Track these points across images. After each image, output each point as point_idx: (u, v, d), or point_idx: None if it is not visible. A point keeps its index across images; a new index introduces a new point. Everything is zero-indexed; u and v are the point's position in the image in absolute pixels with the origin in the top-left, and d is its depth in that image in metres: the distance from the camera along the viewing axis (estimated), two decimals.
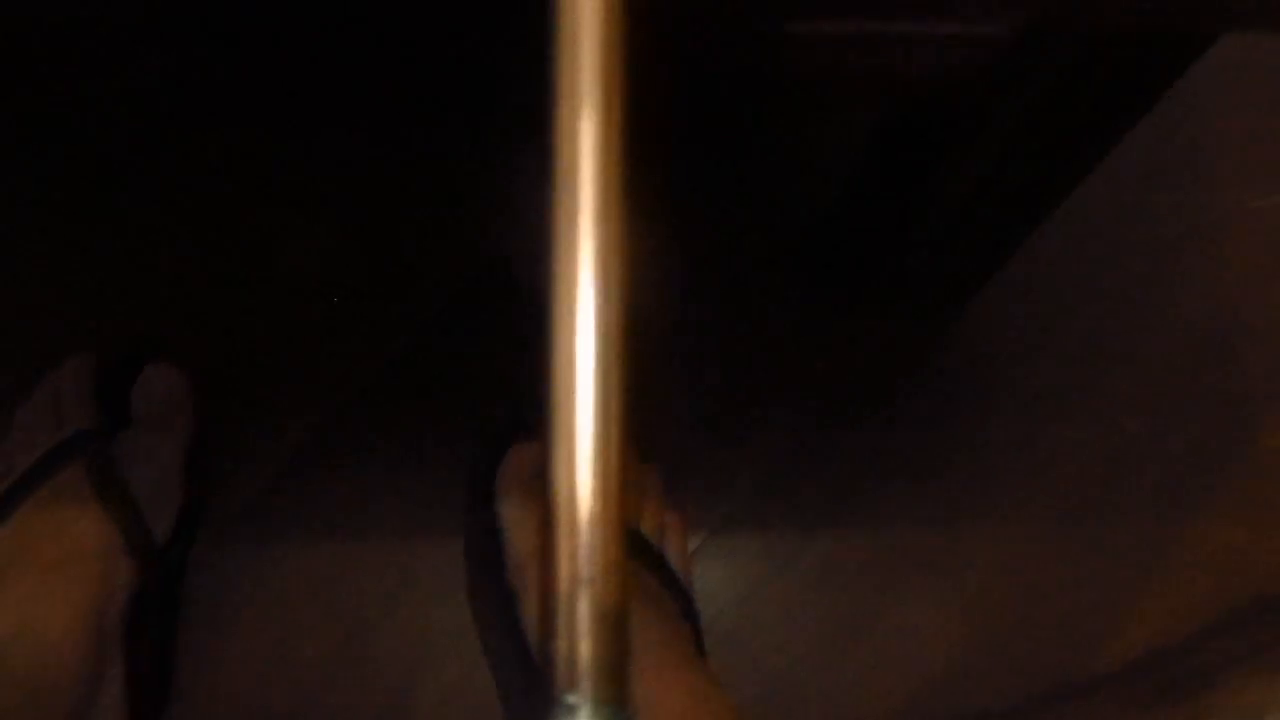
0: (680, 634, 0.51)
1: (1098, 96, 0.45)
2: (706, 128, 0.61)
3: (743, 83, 0.59)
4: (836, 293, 0.64)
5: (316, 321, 0.61)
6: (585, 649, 0.23)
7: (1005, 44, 0.41)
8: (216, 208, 0.62)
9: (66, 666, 0.46)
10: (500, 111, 0.61)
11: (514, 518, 0.53)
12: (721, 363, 0.62)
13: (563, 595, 0.23)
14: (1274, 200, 0.64)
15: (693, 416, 0.61)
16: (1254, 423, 0.62)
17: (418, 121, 0.62)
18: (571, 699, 0.23)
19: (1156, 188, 0.64)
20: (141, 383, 0.55)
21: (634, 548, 0.51)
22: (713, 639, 0.60)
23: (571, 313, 0.23)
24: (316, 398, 0.60)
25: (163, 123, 0.62)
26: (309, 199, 0.62)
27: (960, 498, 0.61)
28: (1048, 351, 0.63)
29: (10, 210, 0.61)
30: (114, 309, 0.60)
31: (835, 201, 0.60)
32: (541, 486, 0.23)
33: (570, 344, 0.23)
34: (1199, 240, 0.64)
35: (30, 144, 0.61)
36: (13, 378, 0.55)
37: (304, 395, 0.61)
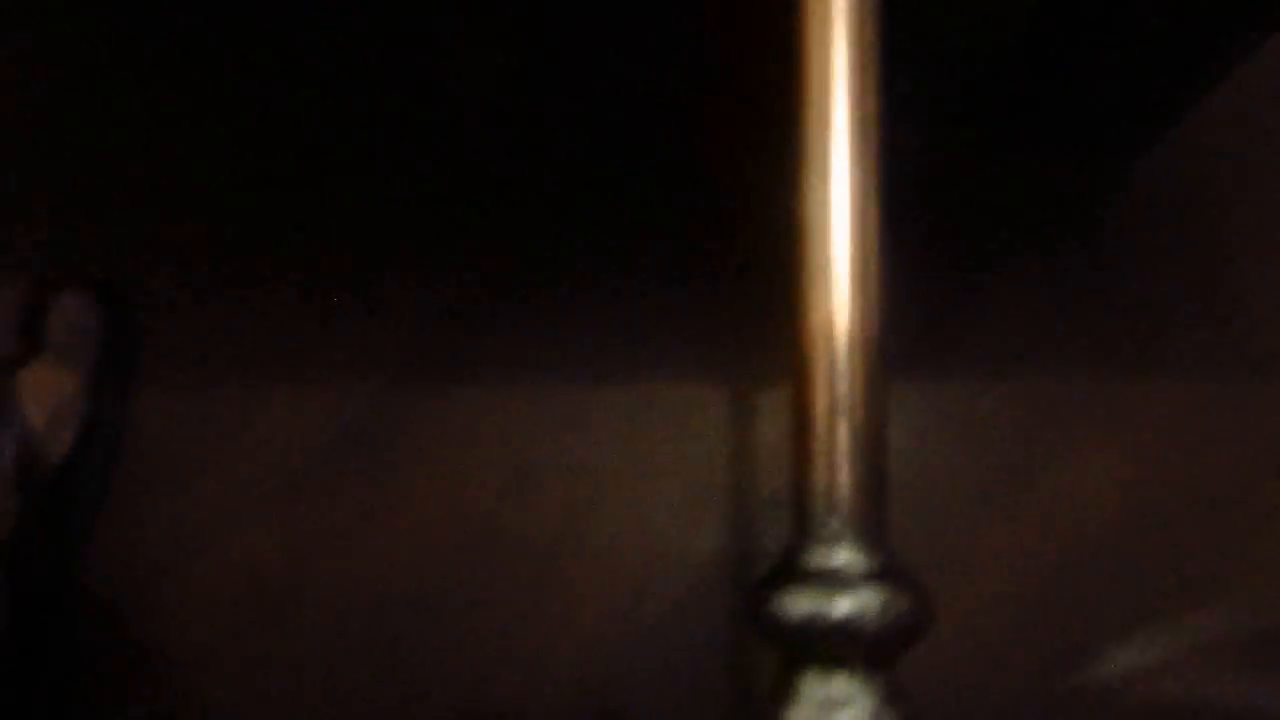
0: None
1: None
2: None
3: None
4: (1009, 136, 0.62)
5: (470, 172, 0.61)
6: (844, 479, 0.22)
7: None
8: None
9: None
10: None
11: None
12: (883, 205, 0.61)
13: (821, 423, 0.22)
14: None
15: None
16: None
17: None
18: (831, 526, 0.22)
19: None
20: (55, 310, 0.58)
21: None
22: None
23: (825, 149, 0.22)
24: (482, 242, 0.61)
25: None
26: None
27: (1132, 352, 0.60)
28: (1220, 209, 0.60)
29: None
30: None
31: (1013, 35, 0.58)
32: (797, 315, 0.23)
33: (825, 167, 0.22)
34: None
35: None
36: None
37: (469, 241, 0.61)
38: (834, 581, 0.22)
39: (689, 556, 0.58)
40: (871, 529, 0.22)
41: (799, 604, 0.22)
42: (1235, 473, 0.59)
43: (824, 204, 0.21)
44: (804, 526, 0.22)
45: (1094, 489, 0.59)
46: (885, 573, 0.22)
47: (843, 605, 0.22)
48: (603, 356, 0.60)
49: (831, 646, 0.22)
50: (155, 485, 0.60)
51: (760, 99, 0.59)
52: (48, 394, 0.56)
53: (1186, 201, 0.60)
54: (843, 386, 0.22)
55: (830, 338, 0.22)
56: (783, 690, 0.23)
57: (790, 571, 0.23)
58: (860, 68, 0.21)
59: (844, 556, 0.22)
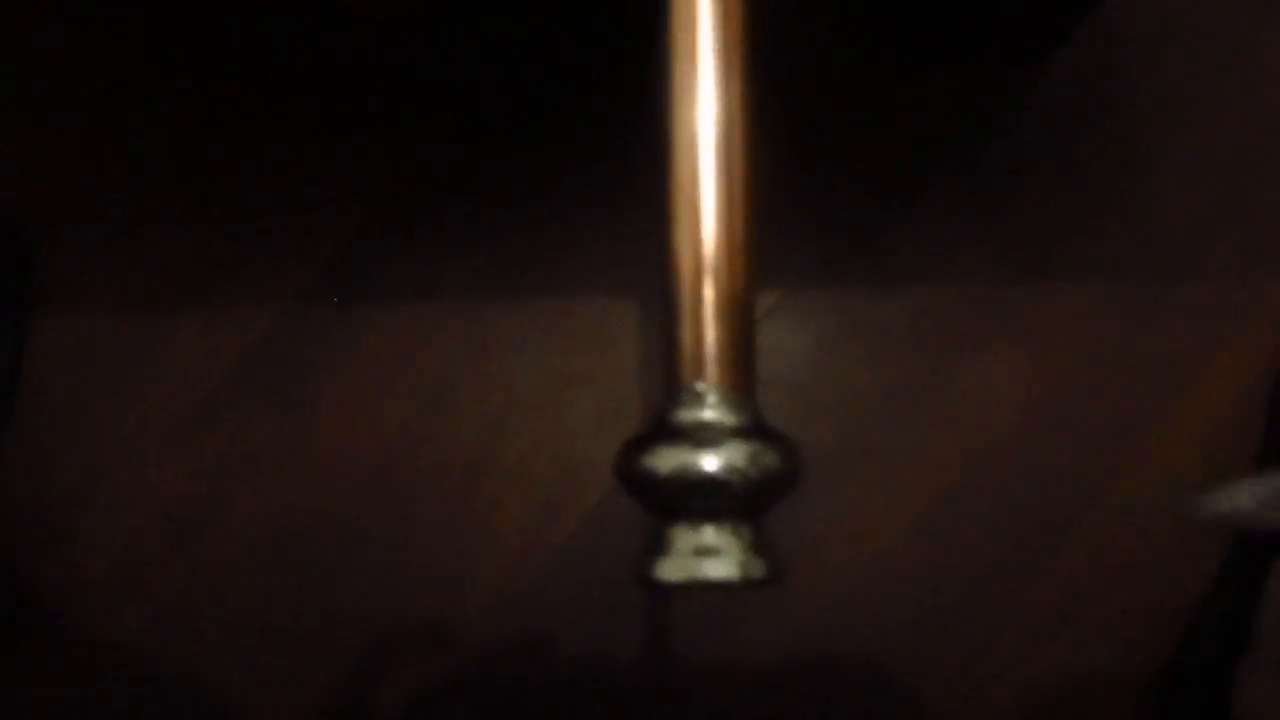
0: None
1: None
2: None
3: None
4: (910, 48, 0.62)
5: (377, 90, 0.61)
6: (711, 337, 0.23)
7: None
8: None
9: None
10: None
11: None
12: (785, 120, 0.61)
13: (687, 284, 0.23)
14: None
15: (762, 174, 0.60)
16: None
17: None
18: (699, 386, 0.23)
19: None
20: None
21: None
22: (787, 392, 0.60)
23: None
24: (391, 162, 0.60)
25: None
26: None
27: (1042, 256, 0.61)
28: (1135, 105, 0.61)
29: None
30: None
31: None
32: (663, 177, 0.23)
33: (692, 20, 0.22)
34: None
35: None
36: None
37: (377, 161, 0.60)
38: (702, 437, 0.23)
39: (604, 468, 0.58)
40: (738, 388, 0.22)
41: (668, 460, 0.23)
42: (1141, 377, 0.60)
43: (691, 81, 0.22)
44: (672, 387, 0.23)
45: (998, 394, 0.60)
46: (752, 429, 0.23)
47: (711, 459, 0.23)
48: (514, 274, 0.60)
49: (700, 499, 0.23)
50: (61, 416, 0.59)
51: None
52: None
53: (1094, 105, 0.61)
54: (709, 248, 0.22)
55: (696, 201, 0.22)
56: (655, 544, 0.24)
57: (659, 430, 0.23)
58: None
59: (711, 414, 0.23)
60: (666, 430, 0.23)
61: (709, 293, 0.22)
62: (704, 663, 0.59)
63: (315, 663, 0.59)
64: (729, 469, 0.23)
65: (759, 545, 0.23)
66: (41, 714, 0.59)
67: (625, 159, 0.60)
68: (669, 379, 0.23)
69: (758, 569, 0.23)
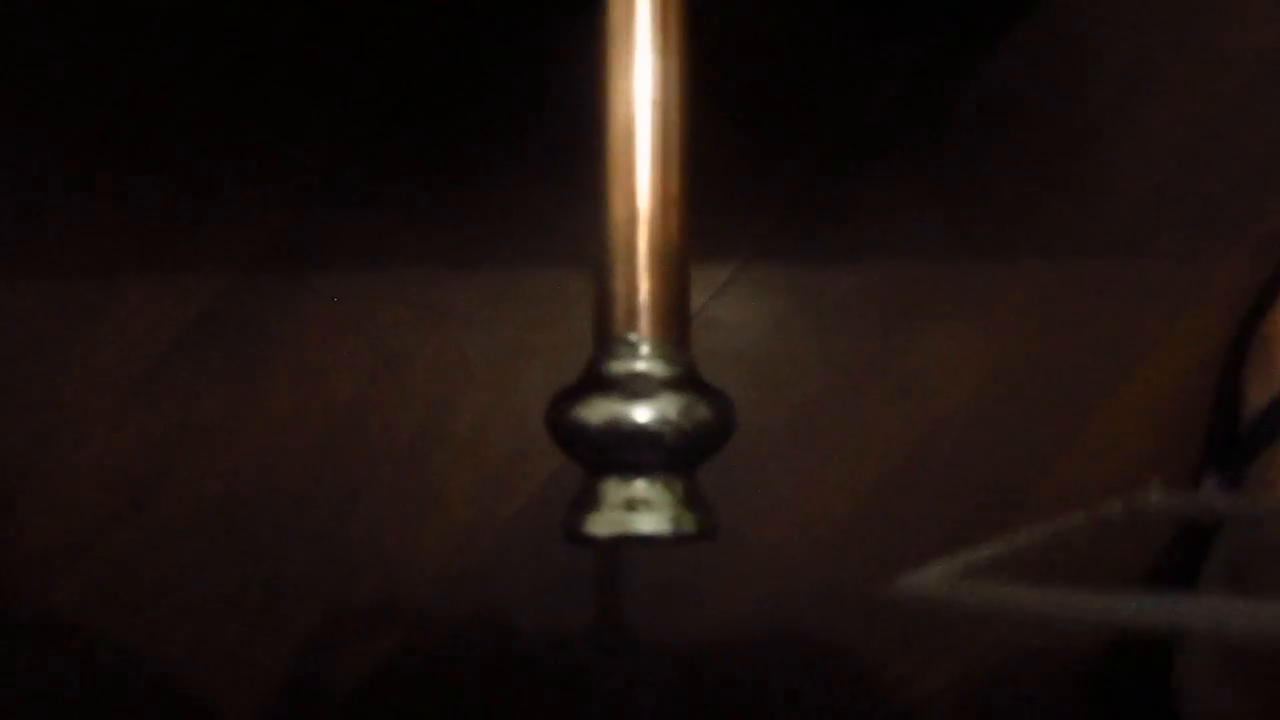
0: None
1: None
2: None
3: None
4: (862, 25, 0.62)
5: (328, 59, 0.60)
6: (645, 287, 0.22)
7: None
8: None
9: None
10: None
11: None
12: (738, 93, 0.61)
13: (620, 233, 0.22)
14: None
15: (713, 147, 0.60)
16: None
17: None
18: (631, 336, 0.22)
19: None
20: None
21: None
22: (741, 369, 0.60)
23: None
24: (338, 129, 0.60)
25: None
26: None
27: (996, 231, 0.61)
28: (1089, 81, 0.61)
29: None
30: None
31: None
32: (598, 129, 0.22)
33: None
34: None
35: None
36: None
37: (325, 128, 0.60)
38: (634, 388, 0.22)
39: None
40: (672, 339, 0.22)
41: (599, 411, 0.22)
42: (1094, 352, 0.60)
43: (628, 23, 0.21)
44: (604, 338, 0.22)
45: (951, 368, 0.60)
46: (685, 380, 0.23)
47: (642, 411, 0.22)
48: (465, 244, 0.60)
49: (632, 452, 0.23)
50: (5, 385, 0.58)
51: None
52: None
53: (1049, 79, 0.61)
54: (643, 197, 0.22)
55: (631, 151, 0.22)
56: (584, 497, 0.23)
57: (590, 381, 0.23)
58: None
59: (643, 365, 0.22)
60: (598, 381, 0.23)
61: (642, 243, 0.22)
62: (656, 636, 0.59)
63: (261, 634, 0.58)
64: (661, 421, 0.22)
65: (691, 500, 0.23)
66: None
67: (577, 128, 0.60)
68: (601, 330, 0.22)
69: (689, 523, 0.23)
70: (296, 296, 0.59)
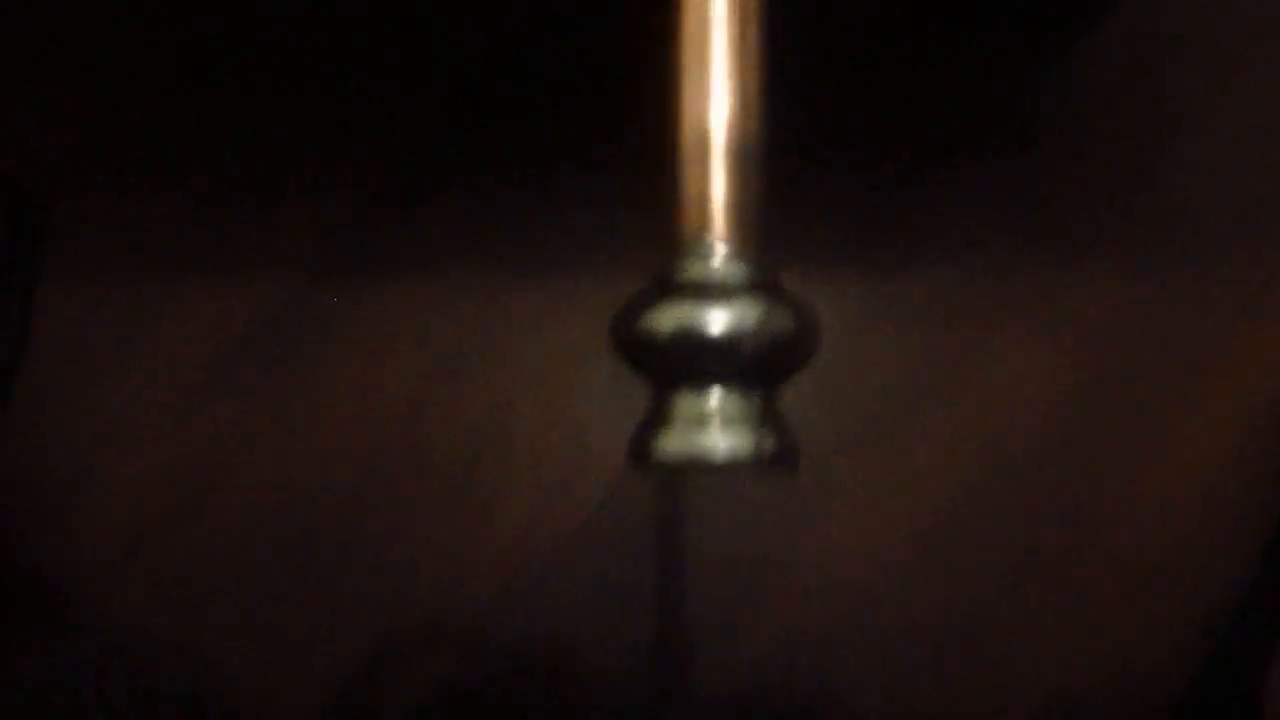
0: None
1: None
2: None
3: None
4: (939, 31, 0.60)
5: (385, 63, 0.59)
6: (719, 187, 0.20)
7: None
8: None
9: None
10: None
11: None
12: (807, 96, 0.59)
13: (694, 132, 0.20)
14: None
15: (778, 153, 0.58)
16: None
17: None
18: (705, 240, 0.21)
19: None
20: None
21: None
22: (804, 383, 0.58)
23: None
24: (398, 135, 0.59)
25: None
26: None
27: (1068, 246, 0.58)
28: (1165, 87, 0.59)
29: None
30: None
31: None
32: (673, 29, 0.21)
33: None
34: None
35: None
36: None
37: (384, 135, 0.59)
38: (708, 294, 0.20)
39: (618, 453, 0.56)
40: (749, 244, 0.20)
41: (670, 318, 0.20)
42: (1172, 366, 0.58)
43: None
44: (677, 245, 0.20)
45: (1028, 382, 0.58)
46: (764, 286, 0.21)
47: (718, 317, 0.20)
48: (522, 249, 0.58)
49: (705, 363, 0.21)
50: (59, 389, 0.58)
51: None
52: None
53: (1125, 89, 0.59)
54: (719, 96, 0.20)
55: (705, 50, 0.20)
56: (653, 416, 0.21)
57: (659, 287, 0.21)
58: None
59: (720, 269, 0.20)
60: (668, 288, 0.21)
61: (718, 142, 0.20)
62: (712, 663, 0.57)
63: (315, 644, 0.56)
64: (736, 328, 0.20)
65: (772, 419, 0.21)
66: (39, 694, 0.57)
67: (644, 137, 0.59)
68: (672, 235, 0.20)
69: (769, 443, 0.21)
70: (356, 304, 0.58)
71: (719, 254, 0.20)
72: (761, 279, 0.21)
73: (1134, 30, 0.59)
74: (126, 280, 0.58)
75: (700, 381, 0.21)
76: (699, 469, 0.21)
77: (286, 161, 0.58)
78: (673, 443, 0.21)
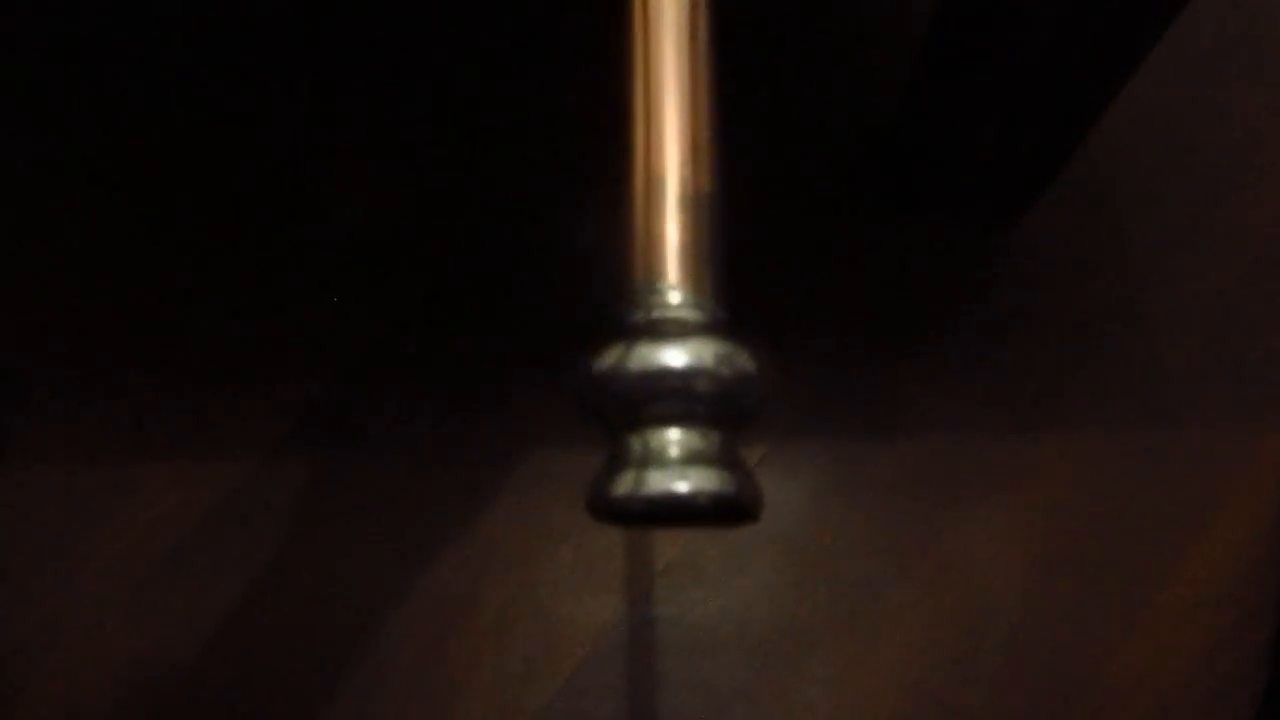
0: None
1: None
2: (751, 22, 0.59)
3: None
4: (890, 205, 0.61)
5: (353, 247, 0.60)
6: (673, 232, 0.20)
7: None
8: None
9: None
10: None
11: None
12: (771, 273, 0.60)
13: (644, 176, 0.20)
14: None
15: (748, 326, 0.58)
16: None
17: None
18: (659, 284, 0.20)
19: (1223, 82, 0.61)
20: None
21: None
22: (777, 553, 0.56)
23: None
24: (364, 312, 0.59)
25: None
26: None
27: (1037, 404, 0.58)
28: (1109, 263, 0.60)
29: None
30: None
31: (896, 103, 0.58)
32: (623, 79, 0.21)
33: None
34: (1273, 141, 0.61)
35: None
36: None
37: (350, 313, 0.59)
38: (664, 334, 0.19)
39: (587, 628, 0.54)
40: (704, 287, 0.19)
41: (627, 359, 0.19)
42: (1148, 527, 0.56)
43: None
44: (631, 290, 0.20)
45: (998, 550, 0.56)
46: (720, 329, 0.20)
47: (675, 356, 0.19)
48: (495, 423, 0.57)
49: (664, 403, 0.20)
50: (13, 572, 0.55)
51: None
52: None
53: (1087, 254, 0.60)
54: (671, 140, 0.20)
55: (660, 97, 0.20)
56: (610, 461, 0.20)
57: (616, 333, 0.20)
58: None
59: (675, 311, 0.19)
60: (625, 332, 0.20)
61: (671, 186, 0.20)
62: None
63: None
64: (695, 367, 0.19)
65: (732, 461, 0.20)
66: None
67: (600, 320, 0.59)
68: (628, 280, 0.20)
69: (731, 484, 0.19)
70: (318, 480, 0.56)
71: (673, 299, 0.19)
72: (717, 321, 0.20)
73: (1087, 208, 0.60)
74: (85, 464, 0.56)
75: (659, 423, 0.19)
76: (660, 511, 0.19)
77: (244, 347, 0.58)
78: (632, 485, 0.19)
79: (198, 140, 0.60)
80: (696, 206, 0.19)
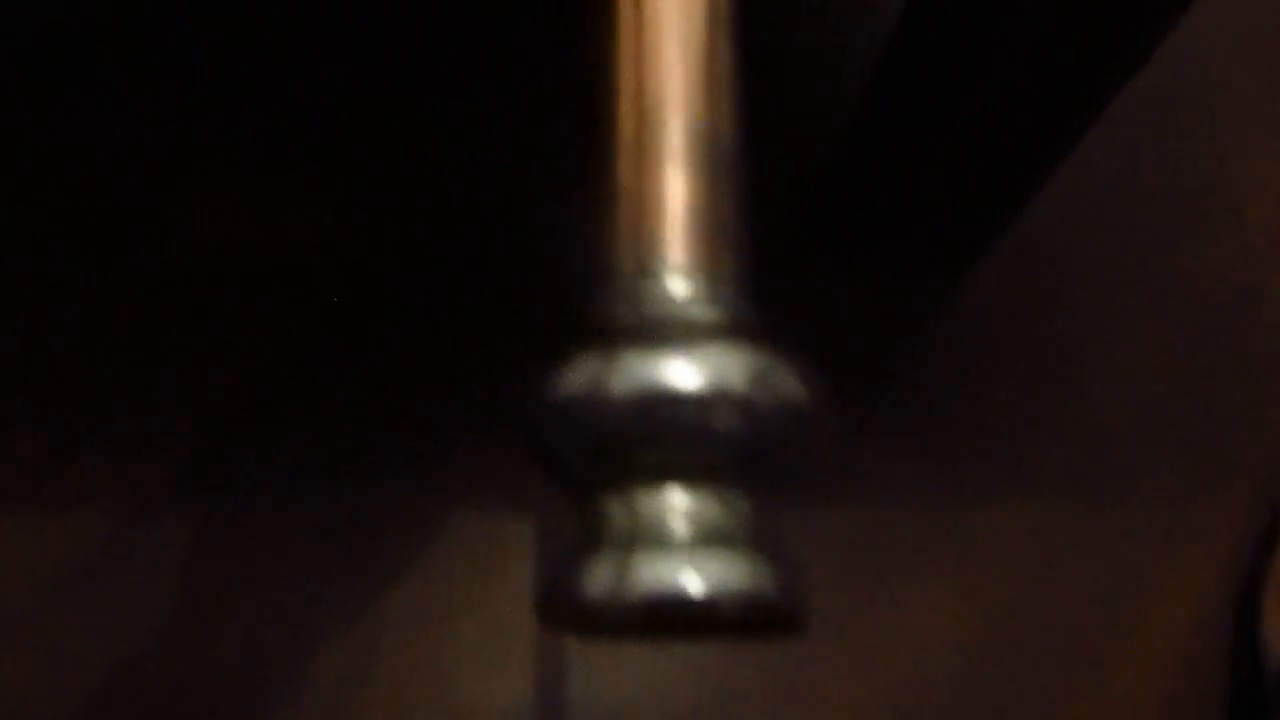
0: None
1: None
2: None
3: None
4: (827, 259, 0.56)
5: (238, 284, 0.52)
6: (675, 193, 0.12)
7: None
8: None
9: None
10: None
11: None
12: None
13: (640, 121, 0.12)
14: None
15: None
16: None
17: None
18: (658, 267, 0.12)
19: (1169, 135, 0.57)
20: None
21: None
22: None
23: None
24: (243, 364, 0.51)
25: None
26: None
27: (977, 475, 0.53)
28: (1053, 319, 0.55)
29: None
30: None
31: (836, 146, 0.53)
32: None
33: None
34: (1221, 195, 0.57)
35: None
36: None
37: (228, 362, 0.51)
38: (663, 341, 0.11)
39: (492, 711, 0.47)
40: (720, 272, 0.12)
41: (605, 378, 0.11)
42: (1090, 602, 0.52)
43: None
44: (614, 277, 0.12)
45: (939, 625, 0.51)
46: (746, 329, 0.12)
47: (681, 373, 0.11)
48: (388, 481, 0.50)
49: (663, 446, 0.11)
50: None
51: None
52: None
53: (1024, 319, 0.55)
54: (676, 76, 0.12)
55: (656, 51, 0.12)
56: (582, 536, 0.12)
57: (591, 338, 0.12)
58: None
59: (681, 306, 0.12)
60: (600, 336, 0.12)
61: (675, 126, 0.12)
62: None
63: None
64: (709, 390, 0.11)
65: (768, 538, 0.12)
66: None
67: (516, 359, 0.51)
68: (609, 264, 0.12)
69: (767, 575, 0.11)
70: (190, 538, 0.48)
71: (677, 285, 0.11)
72: (744, 322, 0.12)
73: (1022, 271, 0.56)
74: None
75: (656, 478, 0.11)
76: (658, 620, 0.11)
77: (115, 396, 0.50)
78: (613, 579, 0.11)
79: (41, 147, 0.52)
80: (713, 154, 0.12)
